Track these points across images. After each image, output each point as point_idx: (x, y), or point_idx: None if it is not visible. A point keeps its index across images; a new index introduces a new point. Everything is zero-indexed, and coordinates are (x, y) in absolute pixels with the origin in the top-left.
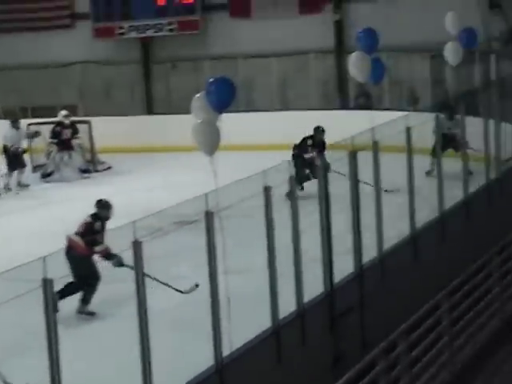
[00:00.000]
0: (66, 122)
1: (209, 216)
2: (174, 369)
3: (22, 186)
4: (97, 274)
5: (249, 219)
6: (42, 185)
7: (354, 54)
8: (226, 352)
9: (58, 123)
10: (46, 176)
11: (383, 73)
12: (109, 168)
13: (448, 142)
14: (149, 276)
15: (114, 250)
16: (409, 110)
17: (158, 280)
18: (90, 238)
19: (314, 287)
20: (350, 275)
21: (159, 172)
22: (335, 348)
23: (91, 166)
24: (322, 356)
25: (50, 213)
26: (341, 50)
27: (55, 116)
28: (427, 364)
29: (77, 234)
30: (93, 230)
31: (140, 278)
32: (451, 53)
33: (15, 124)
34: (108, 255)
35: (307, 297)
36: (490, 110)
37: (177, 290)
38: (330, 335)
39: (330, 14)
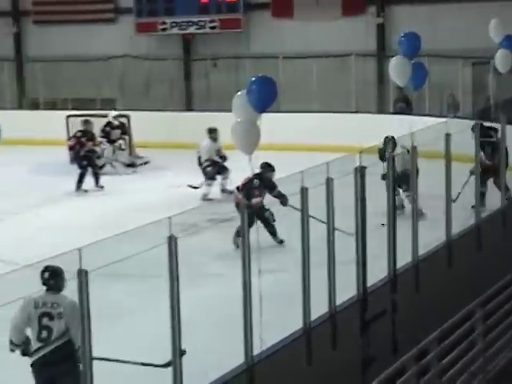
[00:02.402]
0: (115, 122)
1: (244, 213)
2: (206, 365)
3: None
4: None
5: (284, 218)
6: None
7: (394, 58)
8: (256, 351)
9: (108, 123)
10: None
11: (424, 78)
12: (146, 163)
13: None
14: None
15: (148, 245)
16: (449, 117)
17: None
18: (245, 192)
19: (346, 290)
20: (383, 279)
21: (196, 169)
22: (366, 352)
23: (135, 161)
24: (352, 359)
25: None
26: (382, 54)
27: (94, 109)
28: (458, 372)
29: (237, 188)
30: (250, 186)
31: (174, 272)
32: (501, 60)
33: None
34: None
35: (339, 299)
36: None
37: None
38: (361, 338)
39: (373, 16)
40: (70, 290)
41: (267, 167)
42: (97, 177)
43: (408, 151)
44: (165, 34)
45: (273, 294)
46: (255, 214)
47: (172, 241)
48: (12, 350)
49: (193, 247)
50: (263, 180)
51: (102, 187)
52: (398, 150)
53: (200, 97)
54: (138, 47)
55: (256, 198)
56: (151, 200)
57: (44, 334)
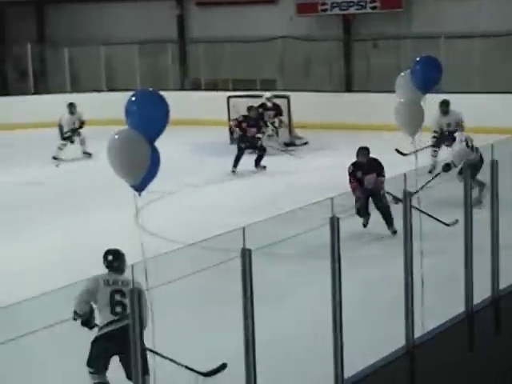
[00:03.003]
0: (269, 104)
1: (406, 196)
2: (364, 348)
3: None
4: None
5: (447, 200)
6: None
7: None
8: (417, 334)
9: (261, 105)
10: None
11: None
12: (306, 143)
13: None
14: None
15: (311, 225)
16: None
17: None
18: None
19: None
20: None
21: (354, 150)
22: None
23: (295, 140)
24: None
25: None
26: None
27: (255, 89)
28: None
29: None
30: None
31: (336, 252)
32: None
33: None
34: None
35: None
36: None
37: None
38: None
39: None
40: (231, 269)
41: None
42: (258, 158)
43: None
44: (325, 15)
45: (432, 276)
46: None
47: (334, 221)
48: (74, 319)
49: (353, 228)
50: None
51: (263, 167)
52: None
53: (360, 78)
54: (298, 28)
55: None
56: (310, 181)
57: (118, 308)
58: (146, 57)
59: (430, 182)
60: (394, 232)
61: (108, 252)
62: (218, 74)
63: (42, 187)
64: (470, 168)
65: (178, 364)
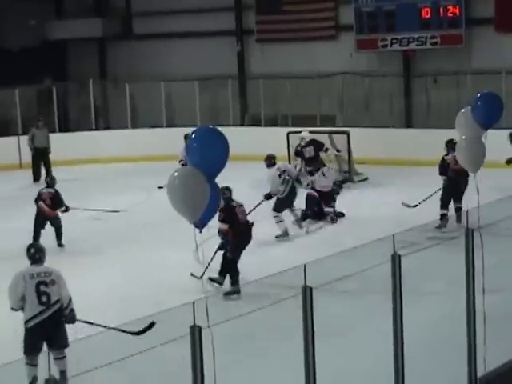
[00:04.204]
0: (302, 143)
1: (469, 233)
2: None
3: None
4: None
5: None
6: None
7: None
8: (480, 373)
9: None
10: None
11: None
12: (365, 179)
13: None
14: None
15: (372, 262)
16: None
17: None
18: None
19: None
20: None
21: (415, 186)
22: None
23: (348, 176)
24: None
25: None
26: None
27: (314, 125)
28: None
29: None
30: None
31: (397, 290)
32: None
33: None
34: None
35: None
36: None
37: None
38: None
39: None
40: (292, 305)
41: None
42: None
43: None
44: (385, 51)
45: (495, 314)
46: None
47: (396, 258)
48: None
49: (413, 265)
50: None
51: (342, 214)
52: None
53: (420, 113)
54: (357, 64)
55: None
56: (370, 217)
57: (44, 298)
58: (205, 93)
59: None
60: None
61: (30, 246)
62: (277, 109)
63: (103, 222)
64: None
65: (109, 328)
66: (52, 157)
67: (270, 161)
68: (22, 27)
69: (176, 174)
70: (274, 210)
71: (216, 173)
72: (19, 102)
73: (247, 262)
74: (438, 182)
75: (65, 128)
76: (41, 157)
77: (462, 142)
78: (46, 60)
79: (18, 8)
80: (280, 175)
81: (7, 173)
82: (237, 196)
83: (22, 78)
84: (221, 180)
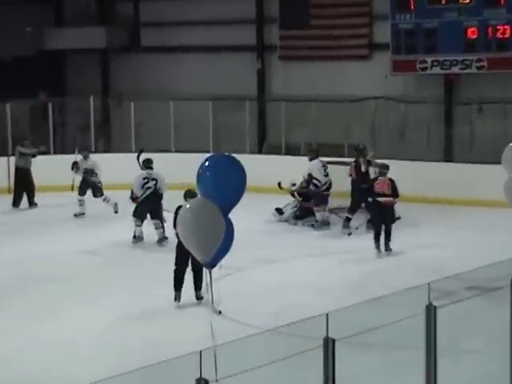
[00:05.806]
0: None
1: None
2: None
3: None
4: None
5: None
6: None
7: None
8: None
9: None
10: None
11: None
12: (398, 218)
13: None
14: None
15: (403, 313)
16: None
17: None
18: None
19: None
20: None
21: (454, 227)
22: None
23: None
24: None
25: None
26: None
27: (341, 155)
28: None
29: None
30: None
31: (432, 345)
32: None
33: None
34: None
35: None
36: None
37: None
38: None
39: None
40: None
41: None
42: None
43: None
44: (424, 74)
45: None
46: None
47: (431, 310)
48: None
49: (450, 318)
50: None
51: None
52: None
53: (462, 146)
54: (393, 88)
55: None
56: (401, 261)
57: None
58: (220, 115)
59: None
60: None
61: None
62: (300, 136)
63: (98, 256)
64: None
65: None
66: (43, 181)
67: (314, 154)
68: (17, 34)
69: (188, 207)
70: (316, 204)
71: (230, 207)
72: (10, 119)
73: (261, 308)
74: (478, 223)
75: (61, 149)
76: (23, 179)
77: (510, 181)
78: (42, 72)
79: (13, 13)
80: (323, 167)
81: None
82: (248, 234)
83: (14, 91)
84: (234, 212)
